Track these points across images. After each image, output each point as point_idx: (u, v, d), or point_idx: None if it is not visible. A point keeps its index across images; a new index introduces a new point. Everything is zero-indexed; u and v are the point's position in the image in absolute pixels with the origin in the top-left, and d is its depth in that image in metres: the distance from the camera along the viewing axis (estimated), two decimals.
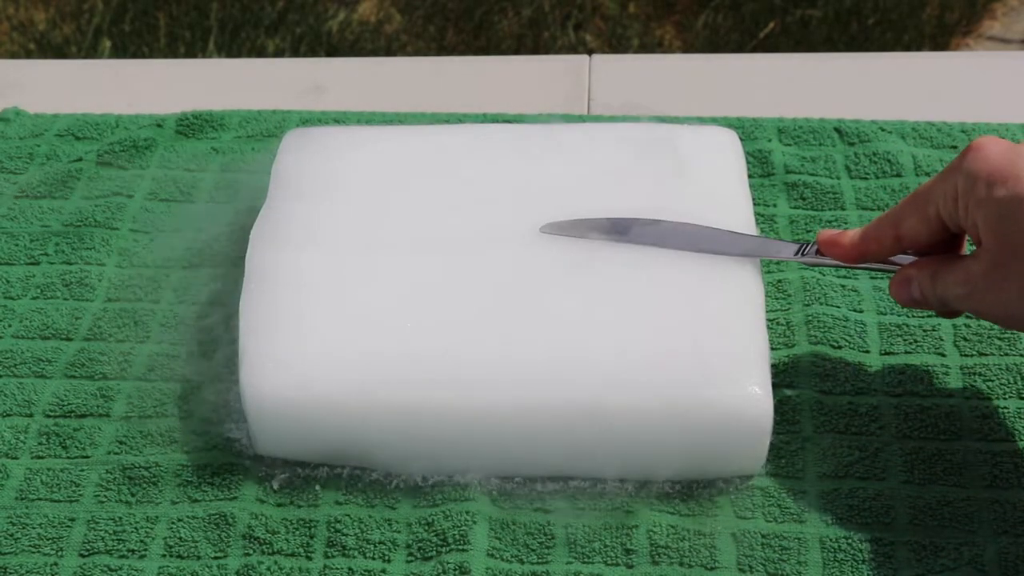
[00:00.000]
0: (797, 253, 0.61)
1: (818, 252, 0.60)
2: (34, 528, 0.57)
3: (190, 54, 2.01)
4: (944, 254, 0.57)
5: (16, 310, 0.67)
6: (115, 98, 0.83)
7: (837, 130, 0.77)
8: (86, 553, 0.56)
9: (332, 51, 2.02)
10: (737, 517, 0.56)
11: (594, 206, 0.64)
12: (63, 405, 0.62)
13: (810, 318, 0.64)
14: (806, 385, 0.61)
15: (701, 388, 0.56)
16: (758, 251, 0.62)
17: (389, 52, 2.02)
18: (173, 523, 0.57)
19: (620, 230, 0.63)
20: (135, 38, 2.04)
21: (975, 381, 0.61)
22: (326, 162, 0.67)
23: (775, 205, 0.72)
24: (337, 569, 0.55)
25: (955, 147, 0.75)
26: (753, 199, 0.68)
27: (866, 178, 0.73)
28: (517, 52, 2.01)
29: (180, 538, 0.56)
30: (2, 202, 0.74)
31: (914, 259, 0.58)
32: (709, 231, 0.62)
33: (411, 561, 0.55)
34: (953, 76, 0.84)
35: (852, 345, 0.63)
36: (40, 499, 0.58)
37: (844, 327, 0.64)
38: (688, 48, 2.04)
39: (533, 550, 0.55)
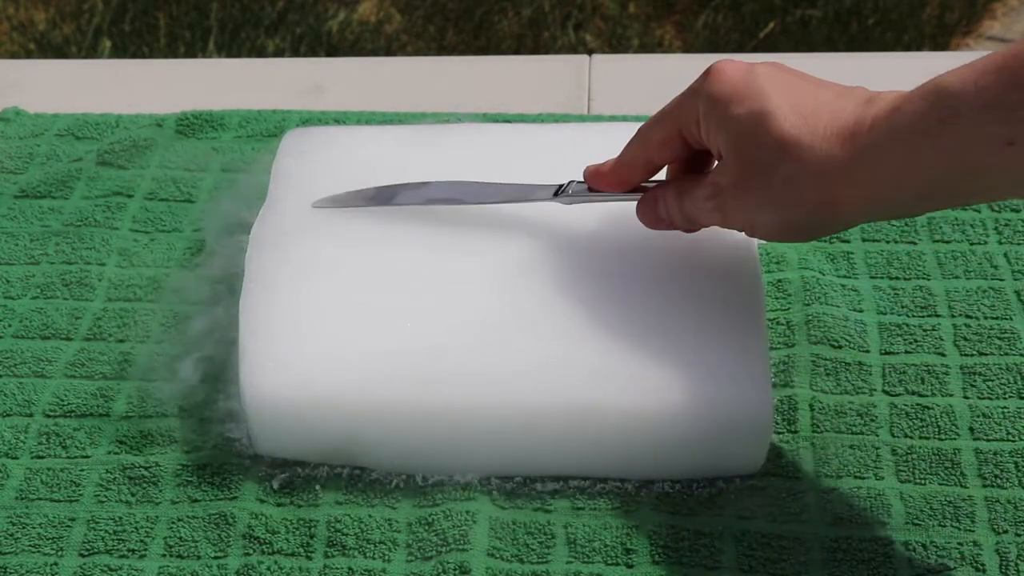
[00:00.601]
0: (556, 193, 0.62)
1: (574, 191, 0.61)
2: (34, 528, 0.57)
3: (190, 54, 2.01)
4: (691, 175, 0.58)
5: (16, 310, 0.67)
6: (115, 98, 0.83)
7: None
8: (86, 553, 0.56)
9: (332, 51, 2.02)
10: (737, 517, 0.56)
11: (595, 204, 0.64)
12: (63, 405, 0.62)
13: (810, 318, 0.64)
14: (806, 385, 0.61)
15: (701, 388, 0.56)
16: (517, 197, 0.63)
17: (389, 52, 2.02)
18: (173, 523, 0.57)
19: (386, 197, 0.65)
20: (135, 38, 2.04)
21: (975, 381, 0.61)
22: (326, 162, 0.67)
23: None
24: (337, 569, 0.55)
25: None
26: None
27: None
28: (517, 52, 2.00)
29: (180, 538, 0.56)
30: (2, 202, 0.74)
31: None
32: (471, 185, 0.64)
33: (411, 561, 0.55)
34: None
35: (852, 345, 0.63)
36: (40, 499, 0.58)
37: (844, 327, 0.64)
38: (688, 48, 2.04)
39: (533, 550, 0.55)
